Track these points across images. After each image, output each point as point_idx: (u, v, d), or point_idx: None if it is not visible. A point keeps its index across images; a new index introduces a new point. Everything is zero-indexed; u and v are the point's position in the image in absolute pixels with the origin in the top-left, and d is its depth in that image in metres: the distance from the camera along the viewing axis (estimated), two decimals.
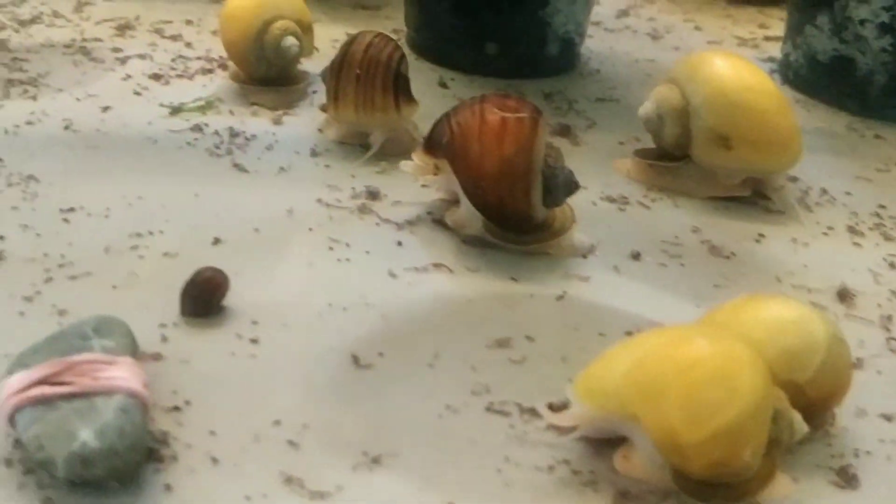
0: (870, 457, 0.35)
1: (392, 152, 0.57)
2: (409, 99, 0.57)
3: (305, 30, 0.65)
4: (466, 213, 0.49)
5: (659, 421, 0.31)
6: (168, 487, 0.31)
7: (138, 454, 0.30)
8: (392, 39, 0.56)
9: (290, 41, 0.63)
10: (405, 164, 0.52)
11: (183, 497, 0.31)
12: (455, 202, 0.51)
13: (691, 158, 0.52)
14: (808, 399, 0.34)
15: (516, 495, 0.32)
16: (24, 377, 0.31)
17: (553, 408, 0.34)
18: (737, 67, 0.51)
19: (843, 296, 0.46)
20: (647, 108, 0.53)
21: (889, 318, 0.44)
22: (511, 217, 0.47)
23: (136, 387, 0.32)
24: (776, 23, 0.92)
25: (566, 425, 0.33)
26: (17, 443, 0.32)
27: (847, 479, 0.34)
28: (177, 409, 0.35)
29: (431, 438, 0.34)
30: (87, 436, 0.29)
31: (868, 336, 0.43)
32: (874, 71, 0.66)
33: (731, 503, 0.32)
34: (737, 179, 0.51)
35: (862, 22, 0.66)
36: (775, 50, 0.82)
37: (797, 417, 0.33)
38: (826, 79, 0.68)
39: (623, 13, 0.91)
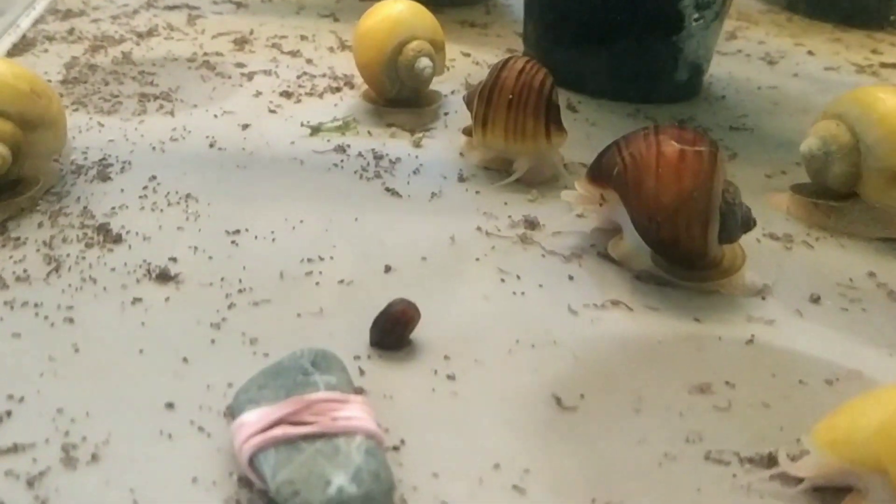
0: None
1: (532, 180, 0.56)
2: (560, 128, 0.56)
3: (438, 49, 0.65)
4: (633, 247, 0.48)
5: None
6: None
7: (390, 498, 0.29)
8: (543, 66, 0.56)
9: (425, 62, 0.62)
10: (567, 194, 0.51)
11: None
12: (614, 232, 0.50)
13: (859, 197, 0.51)
14: None
15: None
16: (263, 415, 0.31)
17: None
18: None
19: None
20: (811, 144, 0.52)
21: None
22: (685, 253, 0.46)
23: (374, 427, 0.31)
24: (888, 48, 0.91)
25: (804, 475, 0.33)
26: (242, 481, 0.32)
27: None
28: (395, 448, 0.34)
29: (657, 486, 0.33)
30: (342, 480, 0.28)
31: None
32: None
33: None
34: None
35: None
36: (894, 77, 0.80)
37: None
38: None
39: (731, 35, 0.90)
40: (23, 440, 0.33)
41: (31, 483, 0.31)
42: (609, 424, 0.36)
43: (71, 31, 0.79)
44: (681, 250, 0.46)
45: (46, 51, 0.74)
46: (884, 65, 0.84)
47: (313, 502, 0.28)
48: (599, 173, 0.49)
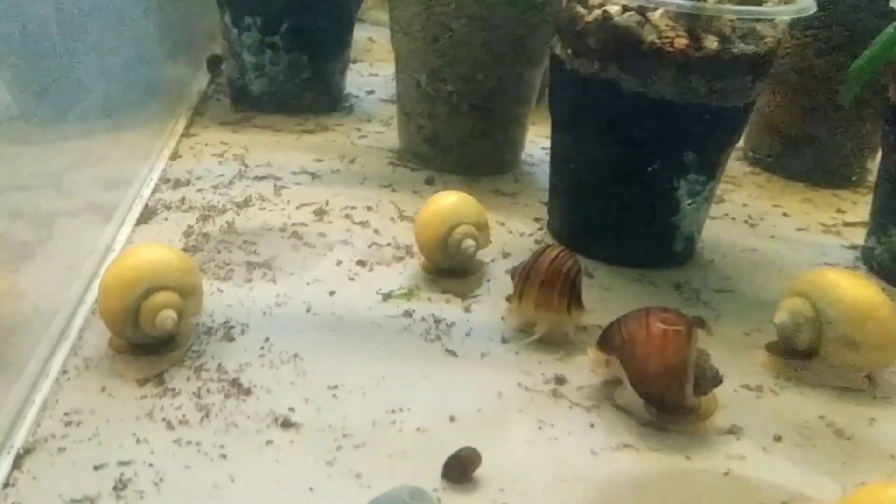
0: None
1: (551, 340, 0.72)
2: (579, 305, 0.71)
3: (481, 228, 0.82)
4: (632, 399, 0.63)
5: None
6: None
7: None
8: (573, 256, 0.72)
9: (469, 243, 0.79)
10: (583, 357, 0.67)
11: None
12: (617, 383, 0.65)
13: (819, 356, 0.67)
14: None
15: None
16: None
17: None
18: (859, 286, 0.66)
19: None
20: (783, 318, 0.68)
21: None
22: (669, 405, 0.61)
23: None
24: (850, 206, 1.06)
25: None
26: None
27: None
28: None
29: None
30: None
31: None
32: None
33: None
34: (861, 374, 0.66)
35: None
36: (854, 236, 0.96)
37: None
38: None
39: (720, 199, 1.06)
40: None
41: None
42: None
43: (182, 201, 0.96)
44: (665, 402, 0.61)
45: (167, 219, 0.91)
46: (846, 224, 0.99)
47: None
48: (605, 342, 0.65)
